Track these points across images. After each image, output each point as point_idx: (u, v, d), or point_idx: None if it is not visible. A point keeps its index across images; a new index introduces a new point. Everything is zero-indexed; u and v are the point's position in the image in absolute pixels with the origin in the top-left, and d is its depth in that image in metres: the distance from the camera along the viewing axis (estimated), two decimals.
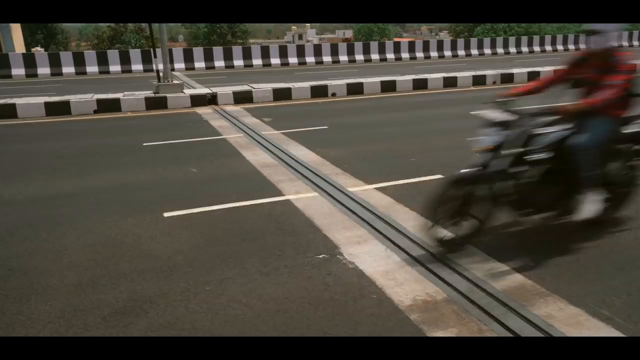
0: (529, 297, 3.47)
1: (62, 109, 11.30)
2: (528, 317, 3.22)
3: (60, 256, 4.29)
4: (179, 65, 21.96)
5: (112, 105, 11.58)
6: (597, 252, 4.12)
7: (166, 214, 5.17)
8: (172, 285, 3.76)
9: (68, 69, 21.05)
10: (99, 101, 11.52)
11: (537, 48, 29.60)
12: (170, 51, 21.43)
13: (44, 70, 20.83)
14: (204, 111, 11.55)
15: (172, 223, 4.97)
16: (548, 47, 29.92)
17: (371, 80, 13.98)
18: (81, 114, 11.38)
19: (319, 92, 13.25)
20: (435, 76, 14.81)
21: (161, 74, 12.27)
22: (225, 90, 12.62)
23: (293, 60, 23.82)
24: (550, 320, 3.18)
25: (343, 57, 24.61)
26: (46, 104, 11.24)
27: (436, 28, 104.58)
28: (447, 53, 27.09)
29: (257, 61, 23.16)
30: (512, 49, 28.98)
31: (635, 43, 32.13)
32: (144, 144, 8.39)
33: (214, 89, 12.87)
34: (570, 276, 3.76)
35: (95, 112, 11.46)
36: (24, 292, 3.70)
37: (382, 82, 13.94)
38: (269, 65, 23.33)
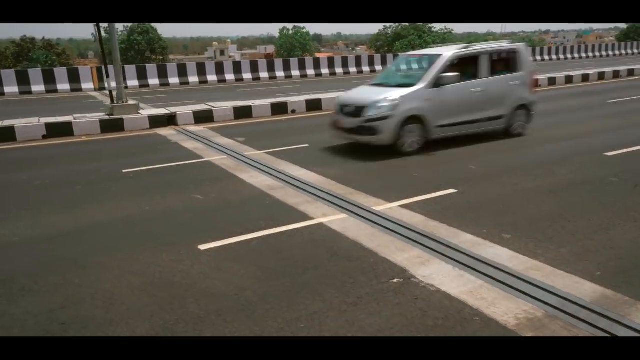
0: (620, 306, 3.60)
1: (5, 134, 10.23)
2: (635, 327, 3.33)
3: (113, 303, 3.83)
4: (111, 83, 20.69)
5: (63, 129, 10.67)
6: None
7: (202, 247, 4.81)
8: (261, 325, 3.48)
9: None
10: (48, 125, 10.57)
11: None
12: (100, 69, 20.29)
13: None
14: (166, 132, 10.98)
15: (214, 256, 4.63)
16: None
17: (328, 96, 14.04)
18: (29, 139, 10.37)
19: (279, 109, 13.11)
20: None
21: (114, 94, 11.52)
22: (184, 110, 12.08)
23: (230, 76, 23.37)
24: None
25: (280, 73, 24.57)
26: None
27: (352, 43, 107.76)
28: (378, 67, 27.96)
29: (193, 78, 22.46)
30: None
31: (547, 57, 35.25)
32: (124, 171, 7.79)
33: (171, 109, 12.29)
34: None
35: (45, 137, 10.50)
36: None
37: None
38: (206, 82, 22.72)
